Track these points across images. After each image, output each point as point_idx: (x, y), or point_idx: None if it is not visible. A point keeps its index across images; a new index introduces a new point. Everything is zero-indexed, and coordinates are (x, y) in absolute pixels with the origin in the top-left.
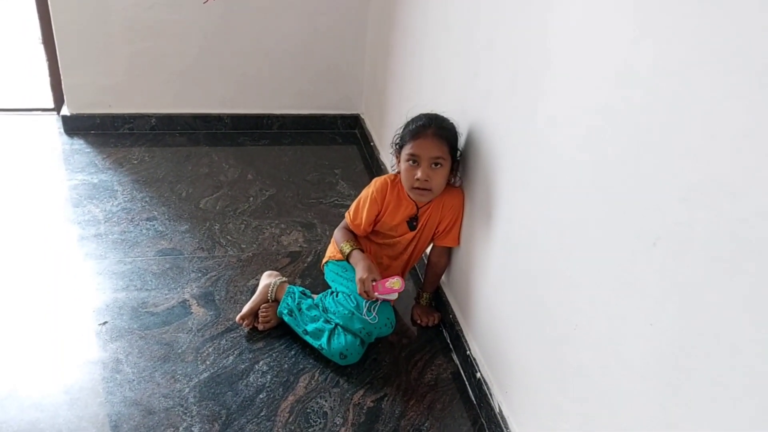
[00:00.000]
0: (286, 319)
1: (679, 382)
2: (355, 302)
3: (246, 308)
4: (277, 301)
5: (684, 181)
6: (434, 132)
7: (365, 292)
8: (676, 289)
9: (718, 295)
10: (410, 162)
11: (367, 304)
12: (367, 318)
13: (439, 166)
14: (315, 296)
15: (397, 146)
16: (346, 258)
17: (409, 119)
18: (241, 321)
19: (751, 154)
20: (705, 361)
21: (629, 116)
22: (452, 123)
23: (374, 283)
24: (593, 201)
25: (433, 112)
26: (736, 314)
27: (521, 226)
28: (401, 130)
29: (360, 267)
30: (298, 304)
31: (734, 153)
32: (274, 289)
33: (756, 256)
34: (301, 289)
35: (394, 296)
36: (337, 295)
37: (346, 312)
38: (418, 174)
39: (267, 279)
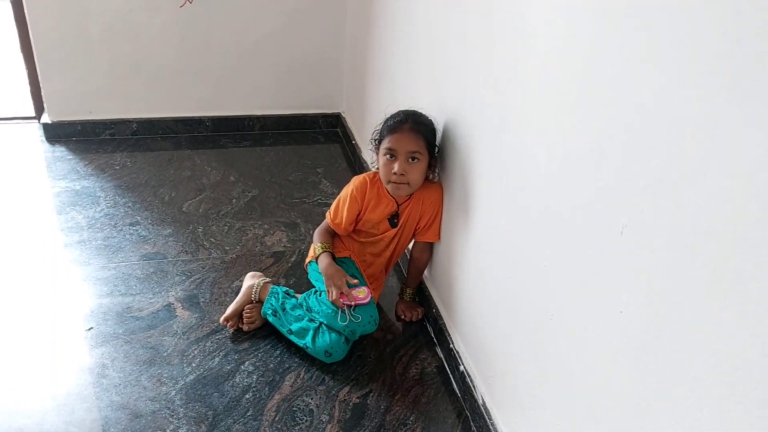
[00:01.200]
0: (270, 319)
1: (647, 366)
2: None
3: (230, 309)
4: (260, 301)
5: (647, 170)
6: (411, 127)
7: (335, 301)
8: (642, 276)
9: (683, 280)
10: (387, 156)
11: (347, 309)
12: (351, 319)
13: (416, 160)
14: (299, 296)
15: (376, 142)
16: (315, 259)
17: (387, 116)
18: (225, 322)
19: (707, 141)
20: (672, 344)
21: (595, 109)
22: (430, 119)
23: (342, 296)
24: (563, 192)
25: (411, 109)
26: (699, 298)
27: (496, 219)
28: (380, 126)
29: (326, 276)
30: (282, 304)
31: (692, 141)
32: (258, 290)
33: (716, 240)
34: (284, 289)
35: (365, 301)
36: (320, 295)
37: (330, 311)
38: (395, 168)
39: (250, 280)
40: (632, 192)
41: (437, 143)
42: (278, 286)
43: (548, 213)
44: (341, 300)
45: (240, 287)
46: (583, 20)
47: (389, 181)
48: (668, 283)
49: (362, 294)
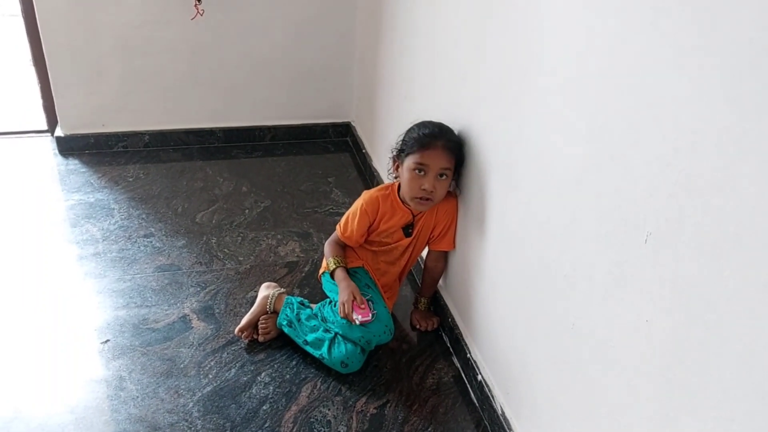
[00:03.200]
0: (285, 330)
1: (675, 376)
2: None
3: (244, 320)
4: (275, 312)
5: (672, 177)
6: (444, 144)
7: (347, 316)
8: (668, 284)
9: (710, 288)
10: (417, 171)
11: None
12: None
13: (444, 177)
14: (313, 306)
15: (400, 152)
16: (331, 274)
17: (414, 126)
18: (240, 333)
19: (735, 147)
20: (699, 354)
21: (617, 116)
22: (459, 136)
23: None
24: (584, 199)
25: (439, 122)
26: (727, 307)
27: (514, 227)
28: (404, 135)
29: (341, 288)
30: (297, 314)
31: (719, 148)
32: (273, 300)
33: (744, 247)
34: (299, 299)
35: (367, 318)
36: (335, 305)
37: (344, 321)
38: (425, 185)
39: (265, 291)
40: (657, 200)
41: (462, 159)
42: (293, 296)
43: (568, 221)
44: (353, 314)
45: (254, 298)
46: (604, 24)
47: (415, 197)
48: (695, 291)
49: (363, 310)
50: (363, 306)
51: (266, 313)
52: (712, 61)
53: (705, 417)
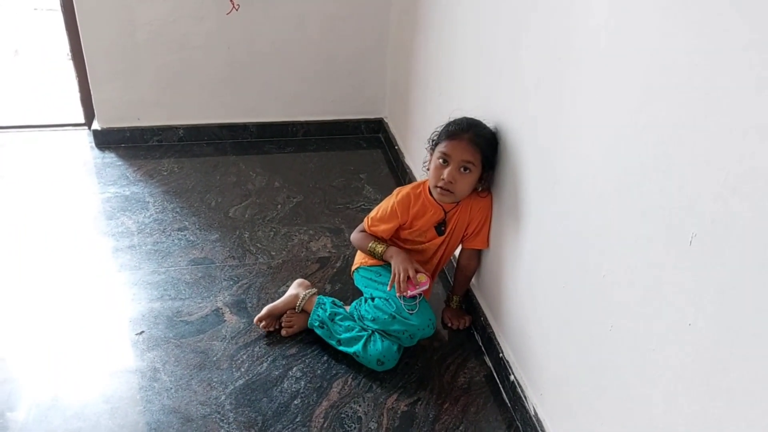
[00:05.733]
0: (318, 331)
1: (718, 382)
2: (395, 306)
3: (265, 310)
4: (304, 311)
5: (718, 178)
6: (470, 138)
7: (400, 282)
8: (713, 288)
9: (757, 292)
10: (441, 161)
11: (406, 306)
12: (408, 311)
13: (467, 171)
14: (347, 307)
15: (433, 143)
16: (381, 257)
17: (450, 120)
18: (258, 322)
19: None
20: (744, 360)
21: (659, 113)
22: (493, 132)
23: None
24: (626, 199)
25: (476, 118)
26: None
27: (551, 227)
28: (440, 128)
29: (396, 260)
30: (330, 315)
31: (766, 147)
32: (303, 301)
33: None
34: (331, 299)
35: (425, 287)
36: (373, 301)
37: (386, 317)
38: (444, 174)
39: (296, 289)
40: (702, 200)
41: (494, 158)
42: (324, 296)
43: (608, 221)
44: (406, 284)
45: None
46: (648, 18)
47: (436, 185)
48: (741, 295)
49: (423, 279)
50: (421, 275)
51: (293, 309)
52: (755, 55)
53: (749, 427)
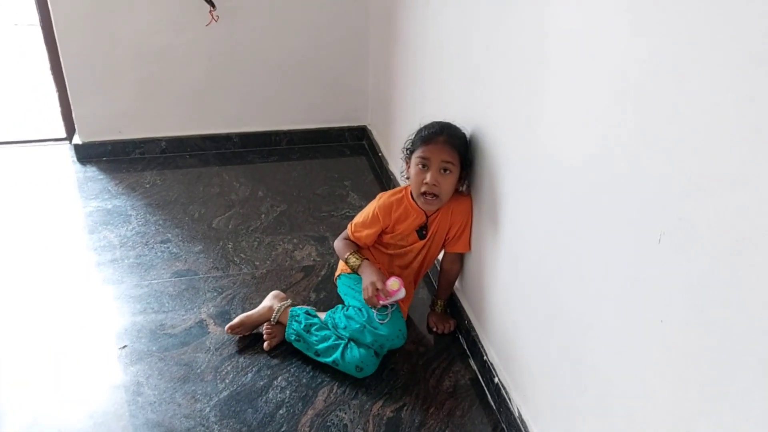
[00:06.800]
0: (295, 344)
1: (691, 376)
2: (366, 315)
3: (237, 320)
4: (280, 323)
5: (684, 177)
6: (445, 139)
7: (370, 299)
8: (683, 284)
9: (725, 287)
10: (420, 166)
11: (378, 316)
12: (378, 321)
13: (448, 172)
14: (321, 315)
15: (408, 151)
16: (355, 270)
17: (421, 126)
18: (229, 331)
19: (748, 146)
20: (715, 354)
21: (627, 115)
22: (463, 132)
23: (378, 292)
24: (596, 200)
25: (446, 121)
26: (743, 306)
27: (527, 229)
28: (413, 136)
29: (363, 277)
30: (305, 327)
31: (731, 145)
32: (278, 314)
33: (759, 247)
34: (305, 309)
35: (401, 295)
36: (347, 310)
37: (357, 326)
38: (427, 178)
39: (270, 301)
40: (670, 199)
41: (469, 157)
42: (298, 307)
43: (581, 221)
44: (376, 299)
45: None
46: (612, 21)
47: (420, 193)
48: (710, 291)
49: (395, 286)
50: (393, 281)
51: (269, 321)
52: (727, 54)
53: (721, 418)
